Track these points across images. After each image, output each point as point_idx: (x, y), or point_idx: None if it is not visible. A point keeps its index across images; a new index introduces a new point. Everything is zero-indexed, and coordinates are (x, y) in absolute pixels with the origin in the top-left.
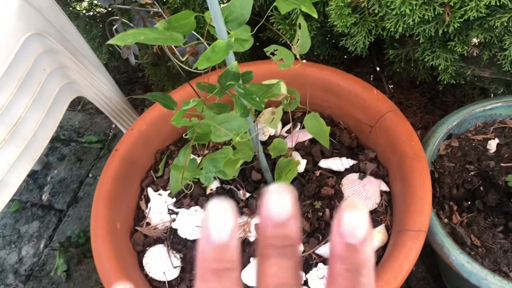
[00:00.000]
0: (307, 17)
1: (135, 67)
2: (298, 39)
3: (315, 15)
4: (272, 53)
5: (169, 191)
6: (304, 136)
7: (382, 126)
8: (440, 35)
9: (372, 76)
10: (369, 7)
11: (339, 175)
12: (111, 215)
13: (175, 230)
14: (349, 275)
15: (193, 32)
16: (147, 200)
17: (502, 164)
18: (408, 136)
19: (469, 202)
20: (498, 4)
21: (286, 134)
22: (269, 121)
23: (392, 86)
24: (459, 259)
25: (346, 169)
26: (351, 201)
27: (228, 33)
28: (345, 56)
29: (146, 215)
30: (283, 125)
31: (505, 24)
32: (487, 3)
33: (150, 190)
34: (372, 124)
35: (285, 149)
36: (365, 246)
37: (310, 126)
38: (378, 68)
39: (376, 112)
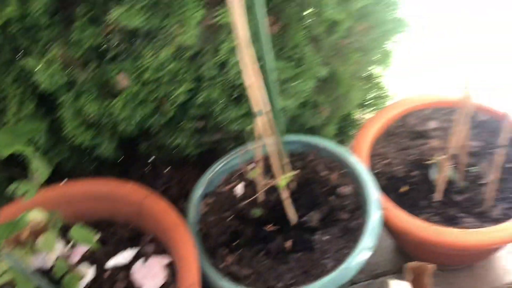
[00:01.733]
0: (56, 140)
1: None
2: (35, 171)
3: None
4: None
5: None
6: (85, 246)
7: (146, 211)
8: (170, 120)
9: (147, 168)
10: (99, 120)
11: (128, 267)
12: None
13: None
14: None
15: None
16: None
17: (247, 201)
18: (165, 211)
19: (235, 242)
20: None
21: (71, 251)
22: (44, 247)
23: (167, 170)
24: None
25: (132, 259)
26: None
27: None
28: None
29: None
30: (67, 244)
31: (207, 98)
32: (185, 90)
33: None
34: (138, 211)
35: (66, 267)
36: None
37: (78, 237)
38: (147, 161)
39: (137, 202)
